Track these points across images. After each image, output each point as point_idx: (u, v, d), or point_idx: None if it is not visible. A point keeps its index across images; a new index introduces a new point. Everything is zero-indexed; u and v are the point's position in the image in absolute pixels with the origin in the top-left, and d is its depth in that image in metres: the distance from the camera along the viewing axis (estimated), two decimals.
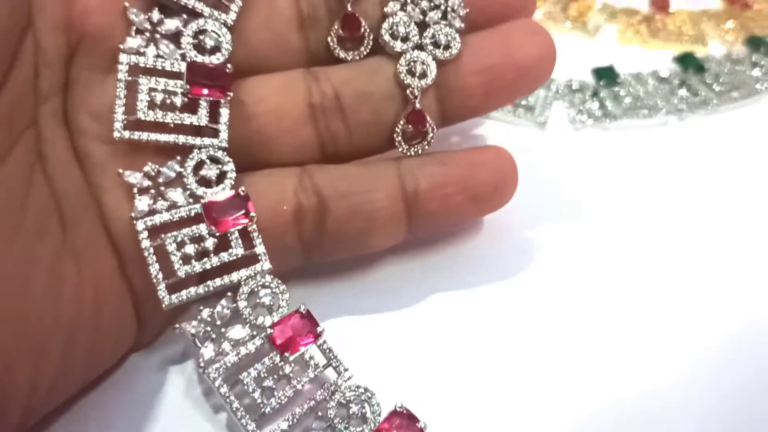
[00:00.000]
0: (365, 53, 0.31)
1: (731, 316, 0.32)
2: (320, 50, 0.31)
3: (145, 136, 0.28)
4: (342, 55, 0.31)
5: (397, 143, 0.31)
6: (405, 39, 0.30)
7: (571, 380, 0.30)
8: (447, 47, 0.30)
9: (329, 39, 0.31)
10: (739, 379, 0.30)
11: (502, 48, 0.31)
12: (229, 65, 0.29)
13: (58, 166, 0.27)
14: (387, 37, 0.30)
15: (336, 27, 0.30)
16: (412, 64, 0.30)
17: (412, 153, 0.31)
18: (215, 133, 0.29)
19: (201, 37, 0.29)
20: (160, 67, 0.28)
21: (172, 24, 0.28)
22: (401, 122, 0.30)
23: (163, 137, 0.28)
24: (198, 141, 0.28)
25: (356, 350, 0.30)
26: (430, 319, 0.32)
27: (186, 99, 0.28)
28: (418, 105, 0.30)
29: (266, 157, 0.30)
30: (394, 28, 0.30)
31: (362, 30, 0.31)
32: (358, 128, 0.31)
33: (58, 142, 0.27)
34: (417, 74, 0.30)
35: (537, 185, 0.37)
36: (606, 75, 0.42)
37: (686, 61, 0.43)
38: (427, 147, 0.31)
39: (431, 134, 0.31)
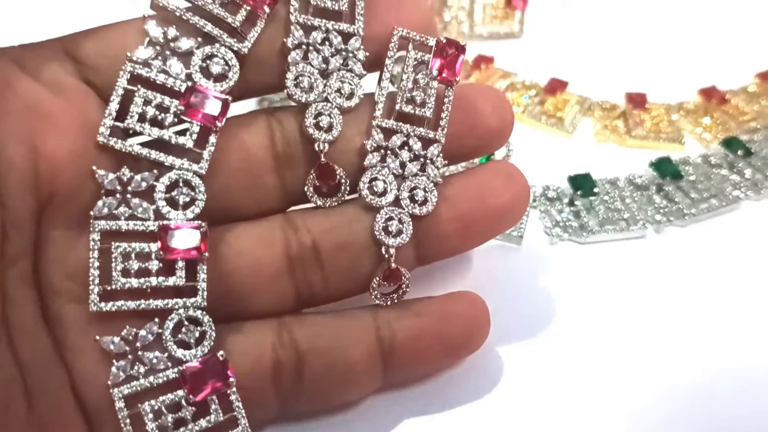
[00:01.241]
0: (343, 198, 0.32)
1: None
2: (297, 189, 0.32)
3: (122, 305, 0.28)
4: (319, 202, 0.32)
5: (372, 296, 0.32)
6: (383, 194, 0.31)
7: None
8: (424, 203, 0.31)
9: (305, 188, 0.31)
10: None
11: (477, 194, 0.32)
12: (203, 223, 0.29)
13: (25, 334, 0.27)
14: (366, 192, 0.31)
15: (312, 176, 0.31)
16: (388, 222, 0.31)
17: (388, 303, 0.32)
18: (193, 291, 0.29)
19: (173, 192, 0.29)
20: (132, 229, 0.29)
21: (143, 181, 0.29)
22: (377, 279, 0.31)
23: (141, 304, 0.28)
24: (176, 303, 0.29)
25: None
26: None
27: (161, 264, 0.29)
28: (393, 264, 0.31)
29: (243, 310, 0.31)
30: (374, 183, 0.31)
31: (338, 178, 0.31)
32: (335, 277, 0.32)
33: (25, 307, 0.27)
34: (393, 233, 0.31)
35: (514, 303, 0.38)
36: (582, 184, 0.43)
37: (663, 167, 0.44)
38: (403, 297, 0.32)
39: (406, 286, 0.32)
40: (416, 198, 0.31)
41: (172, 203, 0.29)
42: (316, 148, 0.31)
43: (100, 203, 0.28)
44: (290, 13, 0.31)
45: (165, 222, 0.29)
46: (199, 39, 0.30)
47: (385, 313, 0.32)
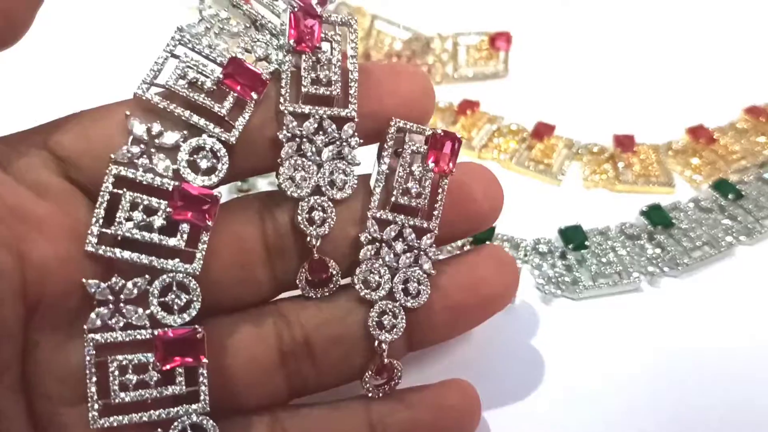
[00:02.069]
0: (335, 288, 0.32)
1: None
2: (288, 279, 0.32)
3: (123, 419, 0.28)
4: (311, 294, 0.32)
5: (365, 390, 0.32)
6: (377, 288, 0.31)
7: None
8: (417, 295, 0.31)
9: (297, 281, 0.32)
10: None
11: (470, 284, 0.32)
12: (199, 329, 0.29)
13: None
14: (360, 286, 0.31)
15: (304, 270, 0.31)
16: (382, 317, 0.31)
17: (380, 395, 0.32)
18: (195, 397, 0.29)
19: (166, 297, 0.29)
20: (128, 339, 0.29)
21: (135, 287, 0.29)
22: (369, 373, 0.31)
23: (143, 416, 0.29)
24: (178, 411, 0.29)
25: None
26: None
27: (160, 374, 0.29)
28: (386, 359, 0.31)
29: (236, 404, 0.31)
30: (369, 277, 0.31)
31: (330, 272, 0.31)
32: (327, 370, 0.32)
33: (15, 415, 0.27)
34: (387, 328, 0.31)
35: (508, 364, 0.38)
36: (573, 237, 0.43)
37: (654, 216, 0.44)
38: (395, 388, 0.32)
39: (398, 378, 0.32)
40: (410, 291, 0.31)
41: (167, 307, 0.29)
42: (308, 243, 0.31)
43: (93, 315, 0.28)
44: (281, 102, 0.31)
45: (161, 331, 0.29)
46: (185, 131, 0.29)
47: (378, 406, 0.32)
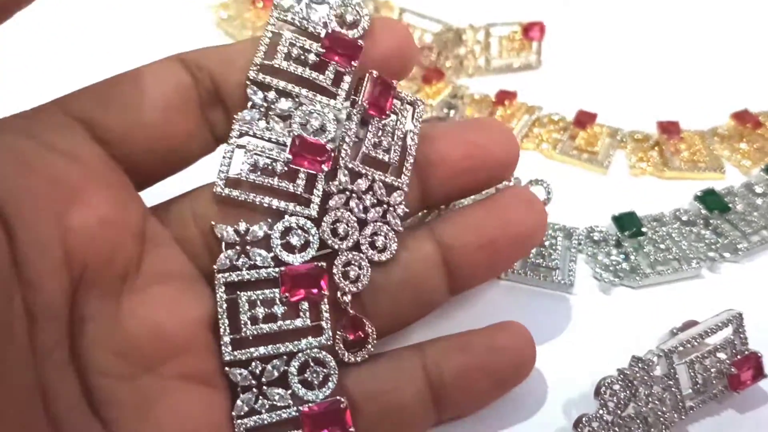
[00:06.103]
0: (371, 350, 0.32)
1: None
2: None
3: None
4: (351, 359, 0.32)
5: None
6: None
7: None
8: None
9: (335, 344, 0.31)
10: None
11: (501, 222, 0.33)
12: (342, 400, 0.30)
13: (73, 426, 0.26)
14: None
15: (341, 331, 0.31)
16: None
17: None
18: None
19: (306, 374, 0.31)
20: (275, 420, 0.30)
21: (274, 369, 0.30)
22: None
23: None
24: None
25: None
26: None
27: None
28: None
29: None
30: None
31: (366, 331, 0.31)
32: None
33: (68, 396, 0.26)
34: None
35: (570, 356, 0.37)
36: (629, 224, 0.42)
37: (709, 201, 0.43)
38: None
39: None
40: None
41: (307, 384, 0.30)
42: (340, 299, 0.31)
43: (239, 403, 0.29)
44: (340, 156, 0.31)
45: (306, 407, 0.30)
46: (269, 219, 0.31)
47: (432, 350, 0.32)
